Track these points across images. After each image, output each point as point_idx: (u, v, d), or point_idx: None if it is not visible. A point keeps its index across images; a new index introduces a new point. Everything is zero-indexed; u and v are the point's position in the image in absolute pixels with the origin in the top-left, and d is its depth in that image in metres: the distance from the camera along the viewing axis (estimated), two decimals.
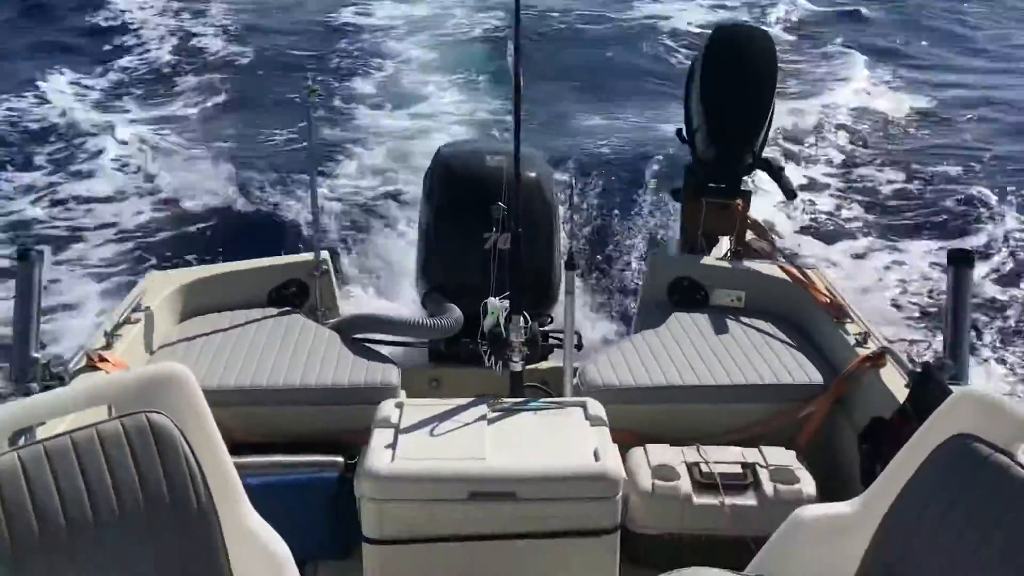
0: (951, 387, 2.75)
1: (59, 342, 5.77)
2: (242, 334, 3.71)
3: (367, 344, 3.72)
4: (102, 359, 3.24)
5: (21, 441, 2.34)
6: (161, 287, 3.91)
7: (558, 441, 2.90)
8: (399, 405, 3.09)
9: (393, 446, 2.86)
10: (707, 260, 4.20)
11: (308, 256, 4.16)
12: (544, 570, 2.83)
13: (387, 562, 2.81)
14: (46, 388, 2.90)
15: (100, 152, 9.29)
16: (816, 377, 3.44)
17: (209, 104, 10.85)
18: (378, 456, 2.81)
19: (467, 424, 2.98)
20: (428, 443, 2.88)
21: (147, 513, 2.18)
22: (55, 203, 8.30)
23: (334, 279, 4.28)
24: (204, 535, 2.24)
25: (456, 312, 3.82)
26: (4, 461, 2.06)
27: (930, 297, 6.73)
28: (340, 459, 3.17)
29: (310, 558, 3.15)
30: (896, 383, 3.15)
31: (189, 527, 2.22)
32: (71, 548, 2.10)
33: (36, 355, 3.02)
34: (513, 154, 3.16)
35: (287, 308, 3.97)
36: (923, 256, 7.42)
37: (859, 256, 7.49)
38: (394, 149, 9.28)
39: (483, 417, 3.01)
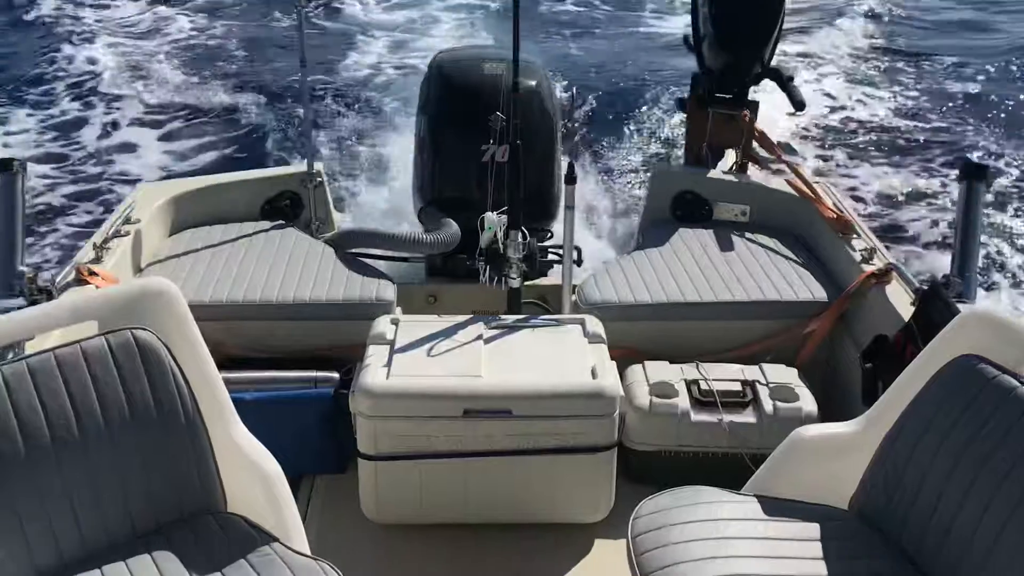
0: (958, 306, 2.69)
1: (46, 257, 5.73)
2: (234, 248, 3.64)
3: (362, 259, 3.65)
4: (91, 273, 3.18)
5: (10, 356, 2.31)
6: (151, 199, 3.83)
7: (555, 358, 2.86)
8: (395, 321, 3.04)
9: (388, 363, 2.82)
10: (712, 173, 4.10)
11: (301, 167, 4.07)
12: (540, 486, 2.82)
13: (382, 478, 2.80)
14: (33, 303, 2.85)
15: (88, 70, 9.12)
16: (820, 294, 3.37)
17: (201, 15, 10.61)
18: (373, 373, 2.77)
19: (463, 341, 2.93)
20: (424, 360, 2.84)
21: (134, 430, 2.15)
22: (43, 123, 8.17)
23: (328, 192, 4.19)
24: (193, 452, 2.21)
25: (453, 227, 3.74)
26: None
27: (941, 217, 6.59)
28: (335, 375, 3.14)
29: (306, 472, 3.15)
30: (901, 301, 3.09)
31: (178, 444, 2.19)
32: (58, 463, 2.07)
33: (23, 268, 2.95)
34: (512, 62, 3.03)
35: (280, 222, 3.89)
36: (935, 173, 7.26)
37: (869, 171, 7.33)
38: (392, 46, 9.07)
39: (479, 334, 2.97)
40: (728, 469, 2.94)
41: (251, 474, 2.21)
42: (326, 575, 2.01)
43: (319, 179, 4.07)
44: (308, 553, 2.10)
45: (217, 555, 2.11)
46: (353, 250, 3.70)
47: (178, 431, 2.19)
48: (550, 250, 3.95)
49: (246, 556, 2.08)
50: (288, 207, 4.02)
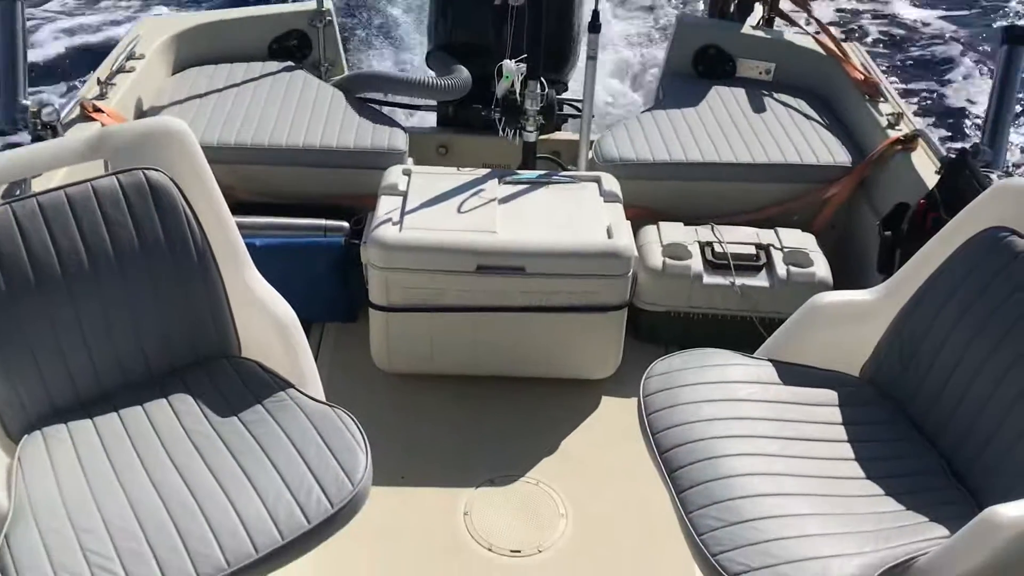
0: (986, 175, 2.63)
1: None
2: (242, 89, 3.52)
3: (372, 105, 3.55)
4: (96, 110, 3.09)
5: (18, 193, 2.26)
6: (156, 33, 3.69)
7: (570, 217, 2.82)
8: (407, 172, 2.98)
9: (400, 214, 2.78)
10: (737, 27, 3.93)
11: (310, 5, 3.90)
12: (549, 343, 2.83)
13: (393, 328, 2.80)
14: (38, 139, 2.78)
15: None
16: (842, 158, 3.30)
17: None
18: (384, 224, 2.73)
19: (478, 196, 2.88)
20: (436, 213, 2.79)
21: (147, 271, 2.13)
22: None
23: (338, 32, 4.03)
24: (206, 295, 2.20)
25: (464, 72, 3.60)
26: None
27: (975, 87, 6.34)
28: (345, 224, 3.10)
29: (316, 320, 3.16)
30: (926, 169, 3.02)
31: (191, 286, 2.18)
32: (71, 298, 2.05)
33: (25, 102, 2.86)
34: None
35: (289, 63, 3.75)
36: (974, 37, 6.92)
37: (903, 31, 7.01)
38: None
39: (495, 189, 2.91)
40: (737, 332, 2.95)
41: (265, 319, 2.20)
42: (341, 421, 2.02)
43: (328, 18, 3.91)
44: (322, 399, 2.11)
45: (232, 399, 2.13)
46: (363, 95, 3.59)
47: (191, 274, 2.17)
48: (567, 103, 3.83)
49: (261, 401, 2.10)
50: (296, 47, 3.88)
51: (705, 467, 1.94)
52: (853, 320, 2.28)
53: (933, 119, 5.74)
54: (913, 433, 2.13)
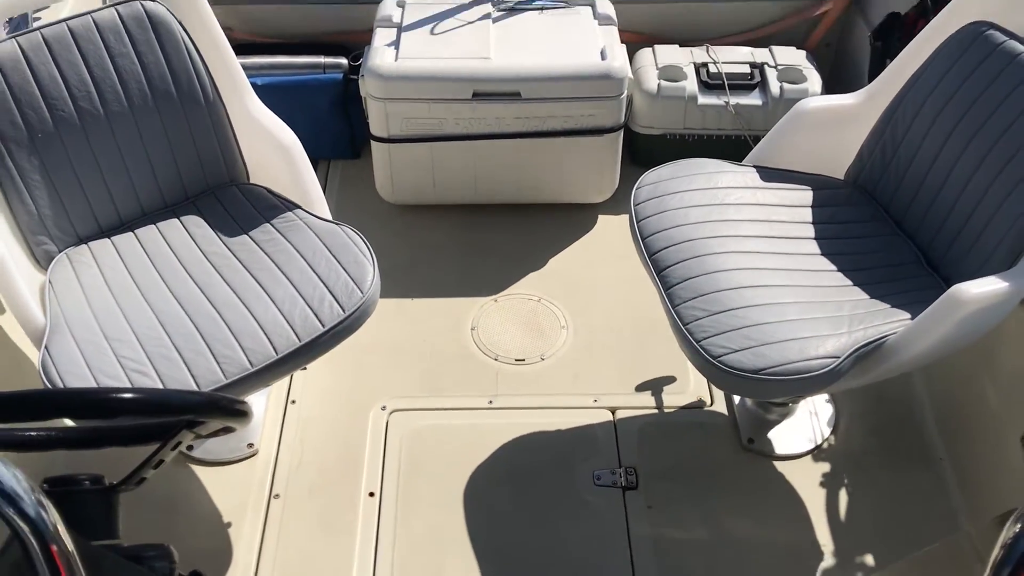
0: None
1: None
2: None
3: None
4: None
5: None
6: None
7: (565, 41, 2.85)
8: (401, 3, 3.00)
9: (396, 45, 2.82)
10: None
11: None
12: (547, 168, 2.91)
13: (395, 159, 2.89)
14: None
15: None
16: None
17: None
18: (381, 55, 2.77)
19: (471, 23, 2.90)
20: (432, 42, 2.83)
21: (154, 103, 2.21)
22: None
23: None
24: (212, 125, 2.28)
25: None
26: (4, 48, 2.05)
27: None
28: (343, 60, 3.14)
29: (322, 157, 3.24)
30: None
31: (197, 117, 2.26)
32: (84, 132, 2.15)
33: None
34: None
35: None
36: None
37: None
38: None
39: (488, 16, 2.93)
40: (731, 151, 3.02)
41: (270, 145, 2.29)
42: (348, 237, 2.14)
43: None
44: (330, 218, 2.22)
45: (243, 221, 2.24)
46: None
47: (196, 104, 2.25)
48: None
49: (270, 220, 2.22)
50: None
51: (691, 264, 2.06)
52: (837, 124, 2.34)
53: None
54: (893, 228, 2.23)
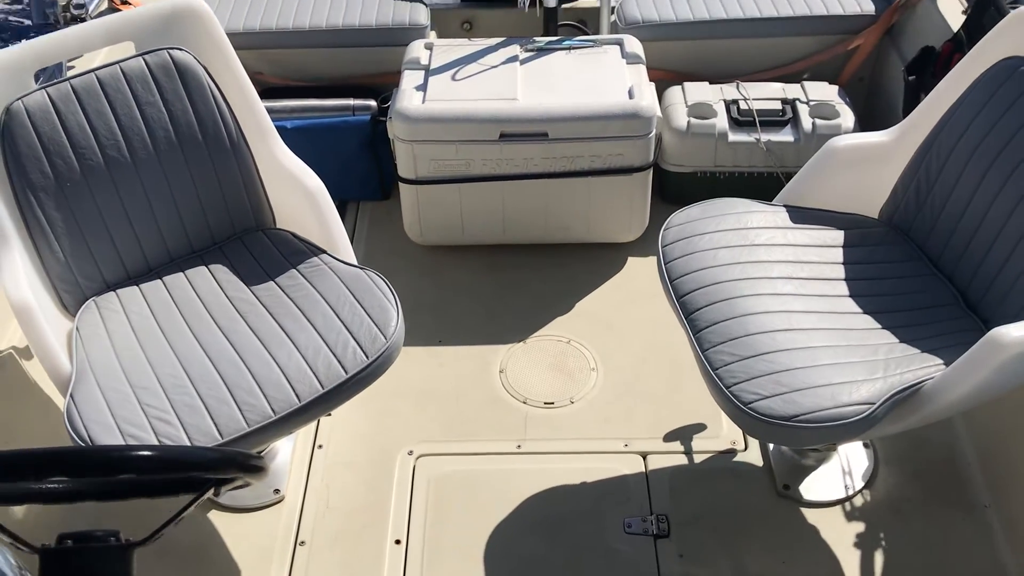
0: (1012, 9, 2.58)
1: None
2: None
3: None
4: (124, 2, 3.15)
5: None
6: None
7: (592, 80, 2.84)
8: (428, 46, 3.01)
9: (424, 87, 2.82)
10: None
11: None
12: (575, 208, 2.89)
13: (423, 201, 2.89)
14: None
15: None
16: (868, 7, 3.23)
17: None
18: (408, 97, 2.78)
19: (499, 64, 2.91)
20: (459, 84, 2.83)
21: (181, 150, 2.23)
22: None
23: None
24: (239, 171, 2.30)
25: None
26: (34, 98, 2.08)
27: None
28: (372, 102, 3.16)
29: (350, 199, 3.25)
30: (953, 10, 2.96)
31: (224, 163, 2.28)
32: (113, 182, 2.17)
33: None
34: None
35: None
36: None
37: None
38: None
39: (515, 57, 2.93)
40: (763, 188, 2.98)
41: (296, 190, 2.29)
42: (372, 282, 2.13)
43: None
44: (355, 263, 2.22)
45: (269, 266, 2.25)
46: None
47: (223, 151, 2.26)
48: None
49: (296, 267, 2.21)
50: None
51: (721, 308, 2.02)
52: (870, 162, 2.29)
53: None
54: (930, 269, 2.17)
